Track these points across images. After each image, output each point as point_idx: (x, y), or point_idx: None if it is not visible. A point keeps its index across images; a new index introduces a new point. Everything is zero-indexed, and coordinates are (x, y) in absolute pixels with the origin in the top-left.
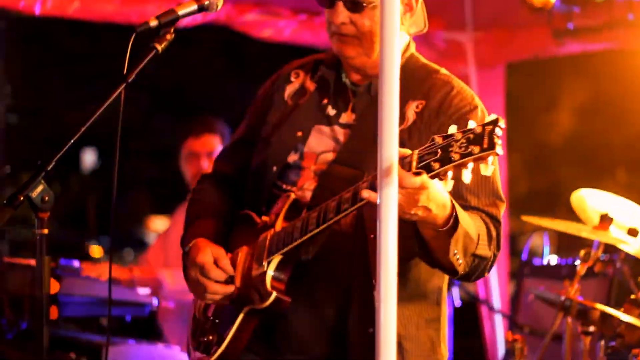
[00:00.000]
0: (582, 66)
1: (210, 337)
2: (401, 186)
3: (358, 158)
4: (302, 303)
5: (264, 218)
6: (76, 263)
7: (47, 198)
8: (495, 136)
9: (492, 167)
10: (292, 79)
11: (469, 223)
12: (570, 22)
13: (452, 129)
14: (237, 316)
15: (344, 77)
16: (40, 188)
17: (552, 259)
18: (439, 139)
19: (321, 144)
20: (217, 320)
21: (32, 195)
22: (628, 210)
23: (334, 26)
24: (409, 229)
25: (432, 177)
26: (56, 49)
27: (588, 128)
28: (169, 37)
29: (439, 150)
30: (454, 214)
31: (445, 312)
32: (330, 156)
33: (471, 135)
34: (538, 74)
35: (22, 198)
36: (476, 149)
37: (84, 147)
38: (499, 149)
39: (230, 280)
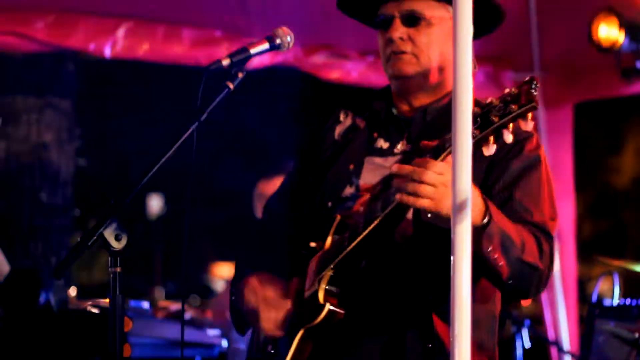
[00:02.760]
0: None
1: None
2: (434, 171)
3: None
4: (356, 323)
5: (312, 244)
6: (146, 304)
7: (120, 236)
8: (532, 92)
9: (532, 122)
10: (341, 118)
11: (507, 223)
12: (638, 61)
13: (490, 99)
14: (293, 340)
15: (395, 111)
16: (114, 226)
17: (622, 301)
18: (477, 109)
19: (376, 175)
20: (272, 351)
21: (105, 233)
22: None
23: (390, 46)
24: None
25: (476, 145)
26: (126, 92)
27: None
28: (240, 75)
29: (478, 118)
30: (488, 209)
31: (496, 343)
32: (381, 185)
33: (508, 98)
34: (605, 115)
35: (95, 236)
36: (514, 107)
37: (150, 193)
38: (537, 103)
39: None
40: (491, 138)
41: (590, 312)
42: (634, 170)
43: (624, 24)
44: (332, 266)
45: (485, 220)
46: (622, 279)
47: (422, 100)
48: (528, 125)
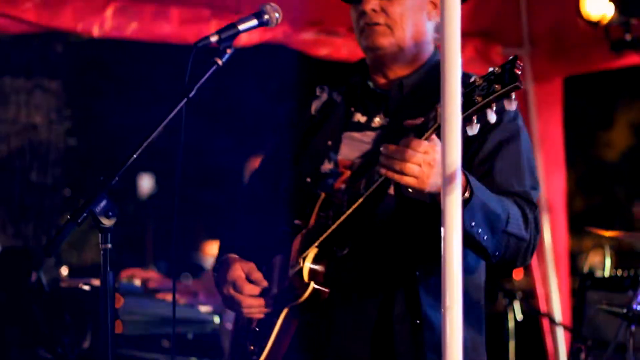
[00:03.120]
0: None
1: (252, 347)
2: (417, 150)
3: None
4: (342, 302)
5: (296, 222)
6: (137, 282)
7: (111, 212)
8: (515, 71)
9: (516, 101)
10: (317, 93)
11: (489, 196)
12: (627, 34)
13: (473, 77)
14: (277, 319)
15: (371, 84)
16: (103, 203)
17: (614, 272)
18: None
19: (354, 150)
20: (257, 329)
21: (96, 210)
22: None
23: (364, 18)
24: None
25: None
26: (115, 72)
27: None
28: (228, 51)
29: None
30: (470, 185)
31: (483, 314)
32: (362, 160)
33: (492, 77)
34: (596, 88)
35: (85, 213)
36: (498, 86)
37: (141, 173)
38: (521, 83)
39: (264, 293)
40: (474, 117)
41: (581, 284)
42: (625, 144)
43: None
44: (316, 244)
45: (467, 194)
46: (614, 251)
47: (397, 72)
48: (512, 105)
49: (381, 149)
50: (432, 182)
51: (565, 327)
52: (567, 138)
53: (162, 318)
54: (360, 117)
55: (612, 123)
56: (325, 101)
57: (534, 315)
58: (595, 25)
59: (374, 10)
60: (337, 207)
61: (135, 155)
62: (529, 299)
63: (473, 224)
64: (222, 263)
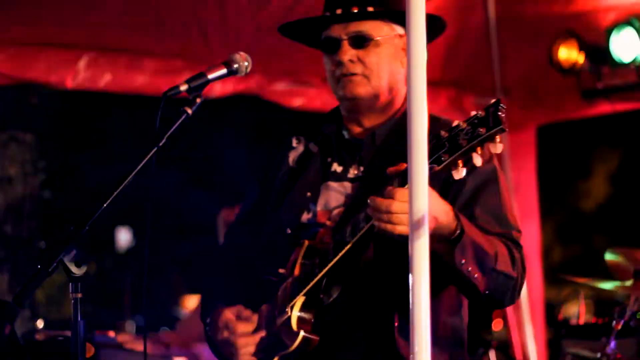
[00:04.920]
0: (613, 126)
1: None
2: (402, 200)
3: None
4: (329, 350)
5: (281, 271)
6: (111, 333)
7: (81, 262)
8: (499, 114)
9: (501, 144)
10: (294, 144)
11: (479, 234)
12: (599, 82)
13: (456, 122)
14: None
15: (346, 134)
16: (73, 252)
17: (589, 320)
18: (444, 133)
19: (332, 200)
20: None
21: (65, 259)
22: None
23: (340, 68)
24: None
25: (445, 169)
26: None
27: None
28: (198, 100)
29: (446, 142)
30: (460, 223)
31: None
32: (342, 210)
33: (476, 121)
34: (570, 137)
35: (55, 262)
36: (483, 130)
37: (118, 227)
38: (505, 126)
39: (257, 330)
40: (460, 162)
41: (556, 332)
42: (603, 193)
43: (583, 46)
44: (303, 292)
45: (458, 232)
46: (592, 300)
47: (372, 120)
48: (497, 148)
49: (368, 201)
50: None
51: None
52: (545, 188)
53: None
54: (337, 167)
55: (590, 172)
56: (302, 152)
57: None
58: (567, 73)
59: (351, 61)
60: (322, 255)
61: (105, 205)
62: (505, 347)
63: (463, 261)
64: (212, 316)
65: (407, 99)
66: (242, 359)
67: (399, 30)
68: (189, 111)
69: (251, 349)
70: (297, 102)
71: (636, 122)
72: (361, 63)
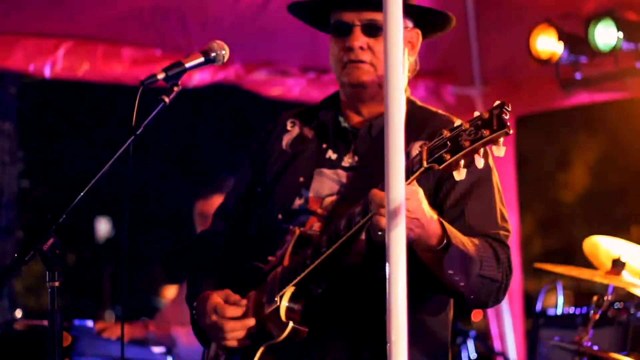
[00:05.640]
0: (592, 117)
1: None
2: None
3: (363, 197)
4: (315, 341)
5: (270, 258)
6: (90, 322)
7: (58, 251)
8: (503, 117)
9: (505, 147)
10: (289, 128)
11: (464, 241)
12: (577, 72)
13: (459, 121)
14: (253, 356)
15: (343, 121)
16: (50, 241)
17: (567, 309)
18: (447, 132)
19: (325, 187)
20: None
21: (43, 248)
22: None
23: (349, 54)
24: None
25: (446, 168)
26: (68, 112)
27: (601, 182)
28: (175, 89)
29: (448, 142)
30: (445, 232)
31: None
32: (334, 198)
33: (479, 122)
34: (548, 128)
35: (32, 251)
36: (486, 132)
37: (98, 217)
38: (509, 129)
39: (246, 315)
40: (461, 162)
41: (535, 323)
42: (582, 184)
43: (562, 36)
44: (293, 283)
45: (445, 243)
46: (572, 291)
47: (372, 109)
48: (500, 151)
49: (369, 195)
50: (408, 226)
51: None
52: (524, 178)
53: (114, 358)
54: (331, 154)
55: (569, 163)
56: (297, 136)
57: (488, 354)
58: (546, 63)
59: (361, 48)
60: (315, 245)
61: (82, 194)
62: (483, 337)
63: (451, 272)
64: (199, 300)
65: (384, 85)
66: (230, 344)
67: (408, 23)
68: (167, 100)
69: (240, 333)
70: (276, 91)
71: (615, 113)
72: (370, 51)
